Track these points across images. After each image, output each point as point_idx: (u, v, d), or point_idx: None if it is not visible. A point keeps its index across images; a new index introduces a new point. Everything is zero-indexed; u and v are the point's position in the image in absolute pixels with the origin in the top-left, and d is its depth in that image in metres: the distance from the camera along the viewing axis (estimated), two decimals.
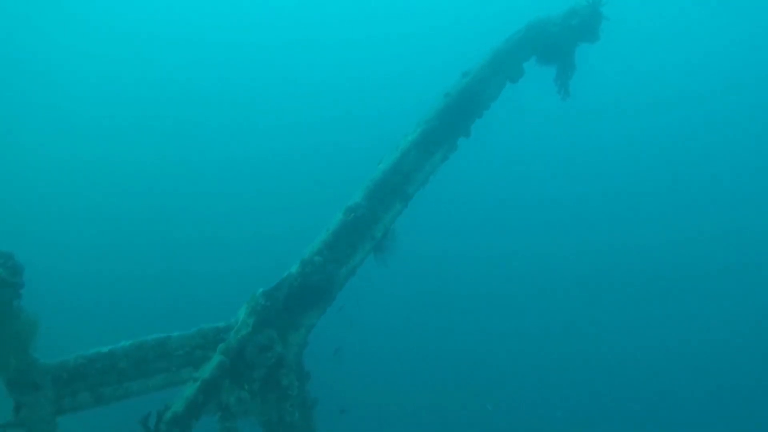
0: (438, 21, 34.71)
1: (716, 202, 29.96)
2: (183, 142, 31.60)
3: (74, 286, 24.59)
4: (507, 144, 25.99)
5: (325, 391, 8.22)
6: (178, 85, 32.95)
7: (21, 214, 27.29)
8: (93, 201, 29.13)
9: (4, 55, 31.89)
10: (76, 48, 33.45)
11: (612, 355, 25.09)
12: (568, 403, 22.91)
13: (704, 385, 24.19)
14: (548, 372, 24.21)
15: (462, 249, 27.38)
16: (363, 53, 34.62)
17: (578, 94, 9.83)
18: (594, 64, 10.30)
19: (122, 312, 23.01)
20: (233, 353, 7.17)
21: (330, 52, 34.64)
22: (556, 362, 24.57)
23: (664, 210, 29.77)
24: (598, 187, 30.43)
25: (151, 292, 24.61)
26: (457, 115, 9.06)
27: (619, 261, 28.05)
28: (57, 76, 32.91)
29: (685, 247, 28.61)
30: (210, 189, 30.04)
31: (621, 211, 29.85)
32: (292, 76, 33.87)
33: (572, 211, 29.52)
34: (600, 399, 23.29)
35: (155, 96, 32.72)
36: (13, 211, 26.96)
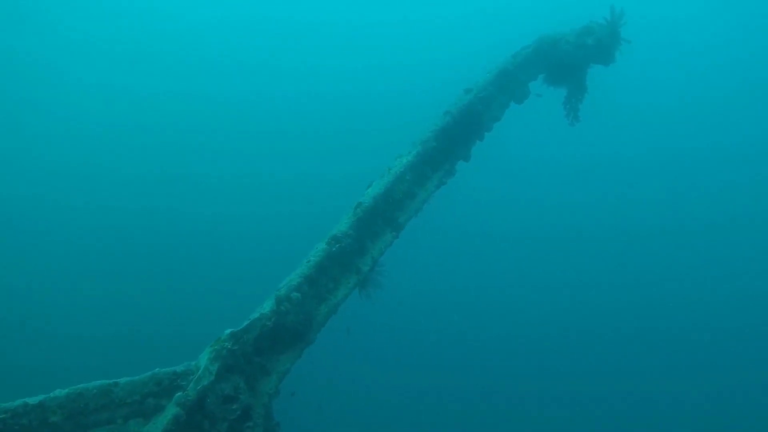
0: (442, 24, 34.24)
1: (722, 206, 29.96)
2: (183, 145, 30.41)
3: (73, 285, 23.72)
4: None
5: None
6: (180, 88, 31.91)
7: (20, 214, 26.43)
8: (92, 202, 27.88)
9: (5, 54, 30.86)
10: (76, 48, 32.44)
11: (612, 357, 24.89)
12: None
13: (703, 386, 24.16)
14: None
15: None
16: (366, 54, 33.87)
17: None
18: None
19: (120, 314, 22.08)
20: (192, 405, 6.09)
21: (334, 52, 33.81)
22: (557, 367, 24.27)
23: (666, 215, 29.66)
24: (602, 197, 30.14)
25: (151, 292, 23.70)
26: (457, 137, 8.18)
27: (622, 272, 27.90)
28: (56, 76, 31.82)
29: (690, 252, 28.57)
30: (209, 192, 28.83)
31: (621, 216, 29.60)
32: (295, 77, 32.96)
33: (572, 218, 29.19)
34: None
35: (156, 97, 31.64)
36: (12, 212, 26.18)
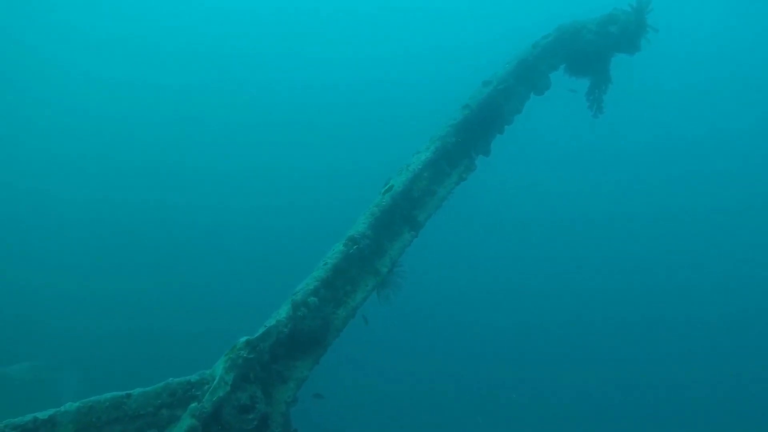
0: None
1: (727, 209, 29.58)
2: (185, 146, 30.20)
3: (72, 285, 23.44)
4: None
5: None
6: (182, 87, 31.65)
7: (21, 213, 26.40)
8: (93, 201, 27.75)
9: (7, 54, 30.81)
10: (77, 48, 32.29)
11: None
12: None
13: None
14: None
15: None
16: (371, 54, 33.44)
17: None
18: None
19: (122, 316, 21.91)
20: (207, 416, 5.85)
21: (349, 45, 33.46)
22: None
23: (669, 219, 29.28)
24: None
25: (152, 292, 23.51)
26: (477, 131, 7.87)
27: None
28: (58, 75, 31.71)
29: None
30: (211, 193, 28.60)
31: (624, 218, 29.22)
32: (298, 77, 32.64)
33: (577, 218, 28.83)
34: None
35: (167, 92, 31.48)
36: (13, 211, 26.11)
